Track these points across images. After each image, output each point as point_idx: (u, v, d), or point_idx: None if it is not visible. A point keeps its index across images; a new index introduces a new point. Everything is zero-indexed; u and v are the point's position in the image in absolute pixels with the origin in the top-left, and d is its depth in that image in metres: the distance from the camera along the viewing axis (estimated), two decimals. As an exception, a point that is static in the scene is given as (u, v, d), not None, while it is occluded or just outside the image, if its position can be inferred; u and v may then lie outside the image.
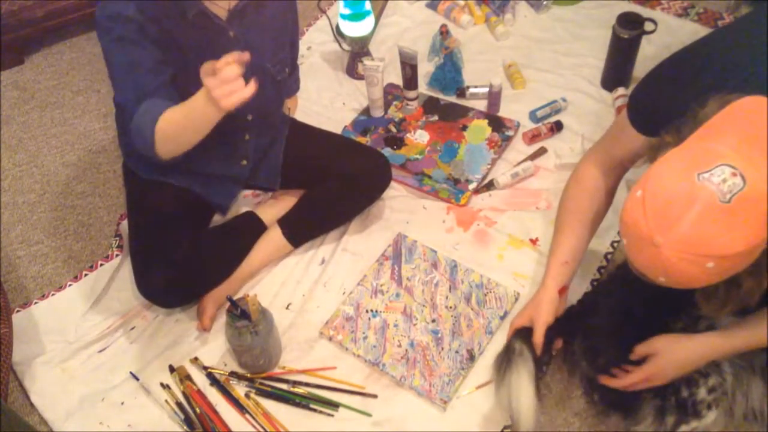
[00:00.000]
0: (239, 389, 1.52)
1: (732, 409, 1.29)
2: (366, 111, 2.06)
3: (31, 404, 1.53)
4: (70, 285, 1.73)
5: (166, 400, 1.50)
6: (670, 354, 1.27)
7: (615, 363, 1.35)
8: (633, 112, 1.32)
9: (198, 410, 1.48)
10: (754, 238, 0.94)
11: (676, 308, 1.31)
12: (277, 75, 1.61)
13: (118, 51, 1.40)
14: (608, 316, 1.40)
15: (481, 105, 2.05)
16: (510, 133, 1.95)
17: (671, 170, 1.00)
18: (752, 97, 1.01)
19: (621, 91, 2.00)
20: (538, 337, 1.37)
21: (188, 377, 1.53)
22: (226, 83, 1.20)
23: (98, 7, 1.38)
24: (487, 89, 2.03)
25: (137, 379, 1.54)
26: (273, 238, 1.71)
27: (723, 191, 0.93)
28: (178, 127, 1.35)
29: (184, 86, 1.46)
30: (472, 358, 1.52)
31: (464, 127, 1.98)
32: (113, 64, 1.42)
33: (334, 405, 1.48)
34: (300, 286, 1.69)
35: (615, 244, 1.71)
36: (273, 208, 1.77)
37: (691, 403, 1.28)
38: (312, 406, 1.48)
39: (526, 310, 1.43)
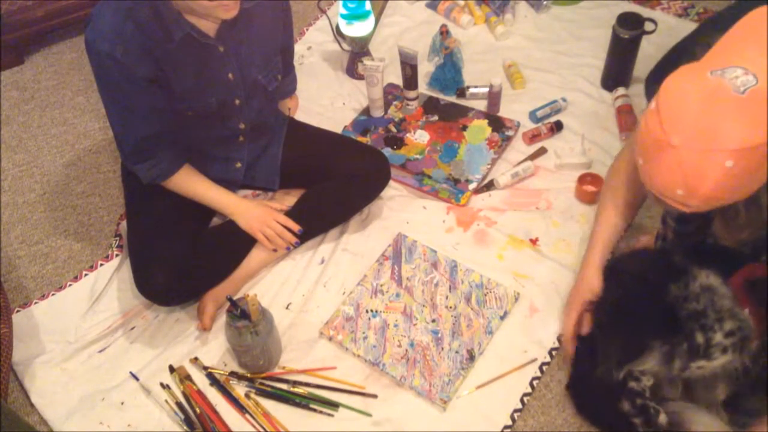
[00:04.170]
0: (239, 389, 1.52)
1: (752, 352, 1.23)
2: (366, 111, 2.06)
3: (31, 404, 1.53)
4: (70, 285, 1.73)
5: (166, 400, 1.50)
6: None
7: (621, 359, 1.34)
8: (653, 95, 1.32)
9: (198, 410, 1.48)
10: None
11: (672, 303, 1.31)
12: (269, 85, 1.62)
13: (111, 101, 1.49)
14: (604, 313, 1.41)
15: (481, 105, 2.05)
16: (510, 133, 1.95)
17: (683, 77, 0.99)
18: (764, 7, 1.00)
19: (621, 91, 2.00)
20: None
21: (188, 377, 1.53)
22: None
23: (87, 30, 1.38)
24: (487, 89, 2.03)
25: (137, 379, 1.54)
26: (273, 238, 1.71)
27: (736, 85, 0.93)
28: (187, 192, 1.61)
29: (178, 101, 1.47)
30: (472, 358, 1.52)
31: (464, 127, 1.98)
32: (107, 108, 1.52)
33: (334, 405, 1.48)
34: (300, 286, 1.69)
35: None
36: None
37: (704, 347, 1.23)
38: (312, 406, 1.48)
39: (577, 301, 1.45)
